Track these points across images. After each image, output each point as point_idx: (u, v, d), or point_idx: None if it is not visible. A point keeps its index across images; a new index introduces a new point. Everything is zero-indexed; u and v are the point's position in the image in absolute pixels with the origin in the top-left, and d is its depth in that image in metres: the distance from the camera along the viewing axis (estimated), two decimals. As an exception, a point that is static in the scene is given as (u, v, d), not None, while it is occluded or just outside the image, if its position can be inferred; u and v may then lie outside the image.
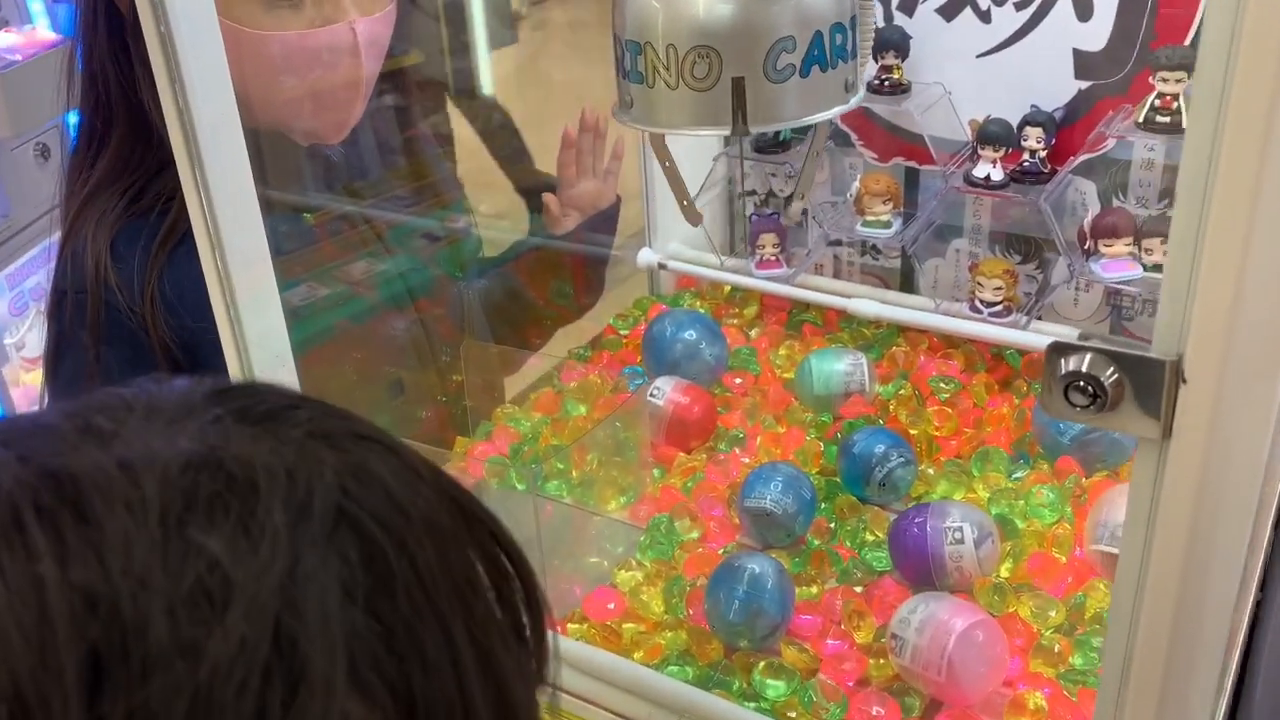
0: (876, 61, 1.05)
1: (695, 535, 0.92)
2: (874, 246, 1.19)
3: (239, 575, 0.28)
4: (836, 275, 1.23)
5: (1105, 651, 0.53)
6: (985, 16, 1.03)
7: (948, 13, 1.05)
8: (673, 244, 1.25)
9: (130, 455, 0.29)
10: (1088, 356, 0.45)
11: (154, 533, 0.28)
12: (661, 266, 1.24)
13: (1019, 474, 0.94)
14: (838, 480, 0.96)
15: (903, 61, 1.05)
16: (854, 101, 0.67)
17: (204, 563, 0.28)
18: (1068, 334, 1.03)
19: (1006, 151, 1.00)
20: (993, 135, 1.00)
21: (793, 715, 0.75)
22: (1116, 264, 0.97)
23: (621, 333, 1.21)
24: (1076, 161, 1.01)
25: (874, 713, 0.74)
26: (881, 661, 0.78)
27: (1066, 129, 1.02)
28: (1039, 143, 1.00)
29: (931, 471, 0.95)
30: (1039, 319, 1.05)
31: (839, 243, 1.19)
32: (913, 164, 1.12)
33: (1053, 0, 0.99)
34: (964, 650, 0.73)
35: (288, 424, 0.32)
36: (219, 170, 0.68)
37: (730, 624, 0.80)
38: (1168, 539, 0.46)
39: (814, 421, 1.03)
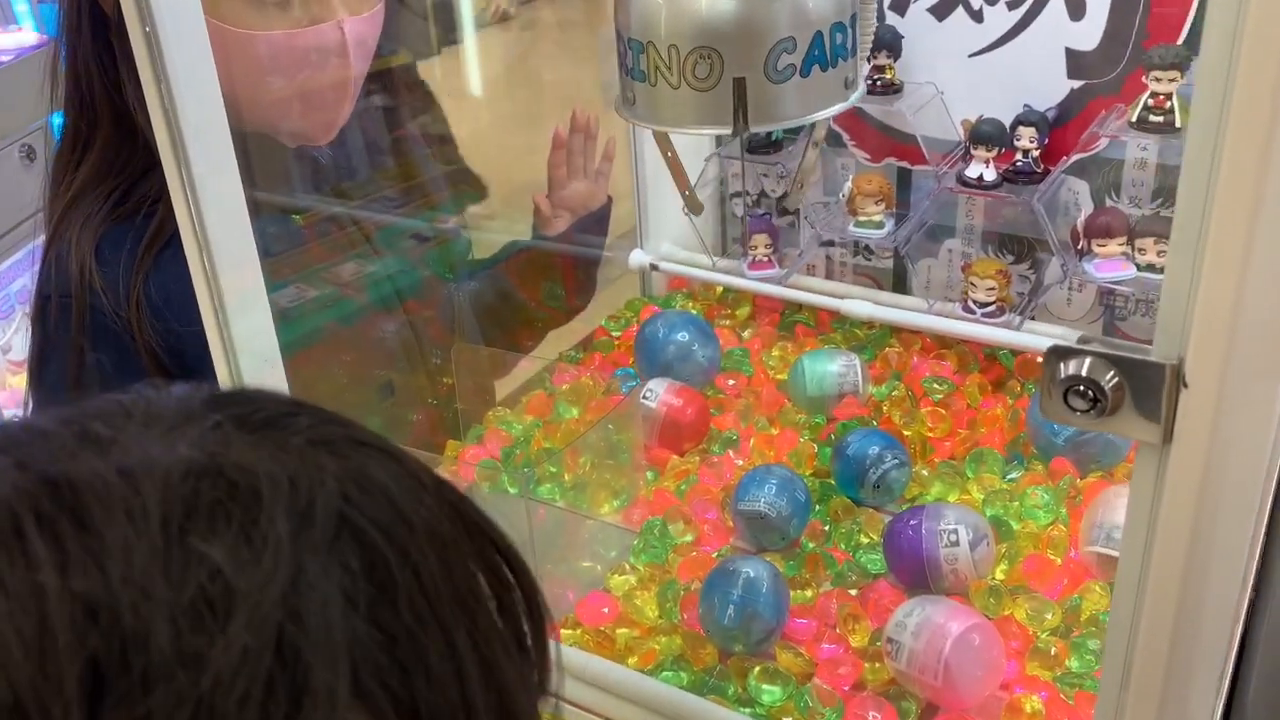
0: (869, 61, 1.04)
1: (689, 539, 0.91)
2: (866, 247, 1.19)
3: (241, 584, 0.27)
4: (829, 276, 1.23)
5: (1105, 657, 0.52)
6: (977, 16, 1.03)
7: (940, 12, 1.05)
8: (665, 245, 1.24)
9: (129, 462, 0.29)
10: (1087, 360, 0.45)
11: (155, 541, 0.27)
12: (653, 267, 1.24)
13: (1013, 475, 0.94)
14: (832, 482, 0.95)
15: (895, 61, 1.05)
16: (854, 99, 0.67)
17: (206, 571, 0.27)
18: (1061, 334, 1.03)
19: (999, 151, 1.00)
20: (985, 135, 1.00)
21: (788, 720, 0.75)
22: (1110, 264, 0.96)
23: (613, 334, 1.20)
24: (1069, 161, 1.00)
25: (870, 718, 0.74)
26: (877, 665, 0.77)
27: (1059, 128, 1.02)
28: (1032, 142, 0.99)
29: (926, 473, 0.94)
30: (1032, 319, 1.05)
31: (831, 243, 1.19)
32: (905, 164, 1.12)
33: (1045, -1, 0.99)
34: (960, 654, 0.73)
35: (288, 431, 0.32)
36: (206, 172, 0.67)
37: (725, 628, 0.79)
38: (1168, 544, 0.46)
39: (808, 423, 1.03)
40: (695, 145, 1.16)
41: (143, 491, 0.28)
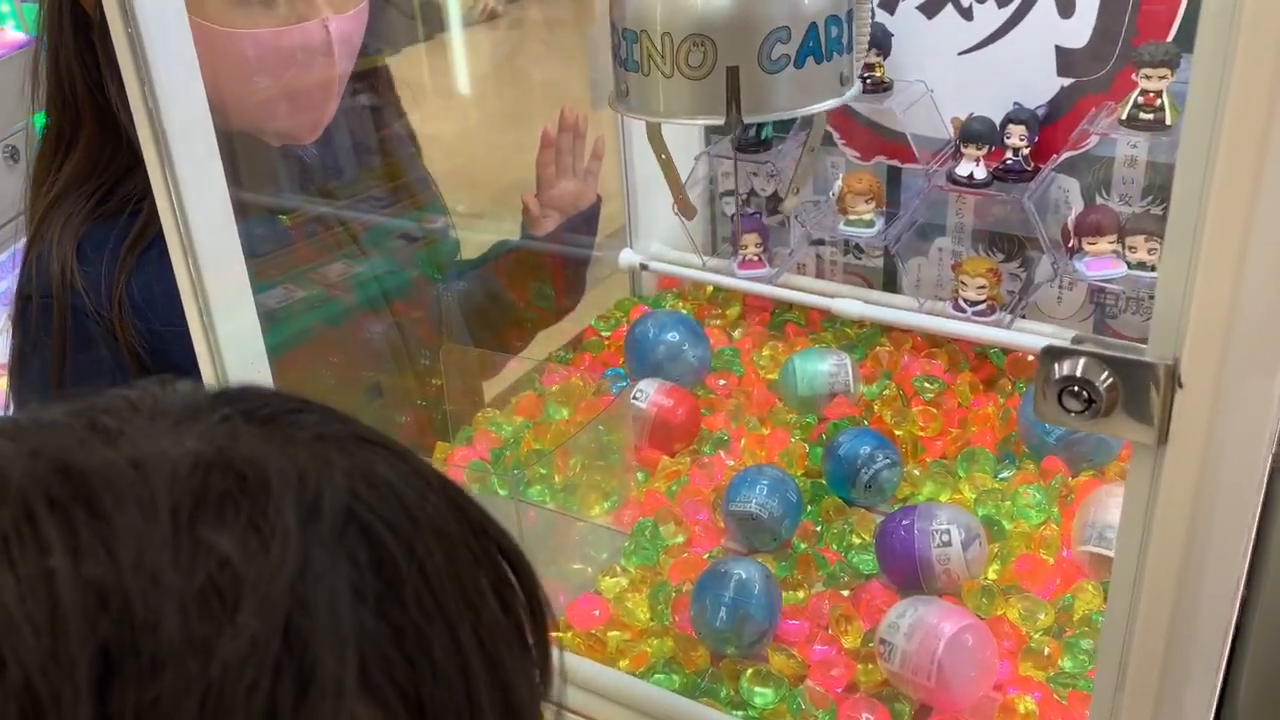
0: (858, 59, 1.04)
1: (680, 540, 0.91)
2: (857, 246, 1.19)
3: (250, 574, 0.27)
4: (819, 275, 1.22)
5: (1100, 657, 0.52)
6: (967, 14, 1.03)
7: (929, 10, 1.04)
8: (654, 244, 1.24)
9: (139, 454, 0.29)
10: (1081, 361, 0.44)
11: (165, 530, 0.28)
12: (643, 267, 1.23)
13: (1005, 474, 0.94)
14: (823, 482, 0.95)
15: (884, 59, 1.05)
16: (849, 95, 0.66)
17: (215, 561, 0.27)
18: (1051, 332, 1.03)
19: (989, 149, 1.00)
20: (975, 133, 1.00)
21: (780, 723, 0.74)
22: (1100, 262, 0.96)
23: (603, 334, 1.20)
24: (1059, 159, 1.00)
25: (863, 719, 0.73)
26: (870, 667, 0.77)
27: (1049, 126, 1.02)
28: (1022, 140, 0.99)
29: (917, 473, 0.94)
30: (1023, 317, 1.04)
31: (821, 242, 1.19)
32: (895, 162, 1.12)
33: (1035, -3, 0.99)
34: (953, 655, 0.72)
35: (295, 426, 0.33)
36: (190, 171, 0.66)
37: (717, 630, 0.79)
38: (1163, 545, 0.46)
39: (799, 423, 1.02)
40: (685, 144, 1.15)
41: (152, 482, 0.28)
